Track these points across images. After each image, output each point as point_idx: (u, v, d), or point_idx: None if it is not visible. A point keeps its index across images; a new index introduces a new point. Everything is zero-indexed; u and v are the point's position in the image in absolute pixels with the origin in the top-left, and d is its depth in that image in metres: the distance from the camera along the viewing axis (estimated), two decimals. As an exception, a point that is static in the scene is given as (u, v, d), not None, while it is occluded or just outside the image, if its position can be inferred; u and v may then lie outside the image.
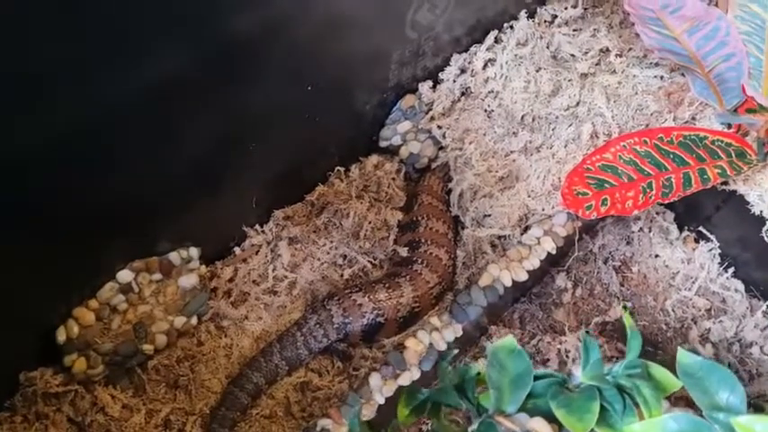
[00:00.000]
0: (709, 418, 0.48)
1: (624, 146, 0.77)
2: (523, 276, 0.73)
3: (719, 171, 0.75)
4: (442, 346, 0.69)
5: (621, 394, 0.50)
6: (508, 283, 0.72)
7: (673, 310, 0.86)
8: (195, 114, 0.66)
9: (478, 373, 0.50)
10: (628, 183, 0.75)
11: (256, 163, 0.75)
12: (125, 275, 0.67)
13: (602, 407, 0.49)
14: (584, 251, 0.88)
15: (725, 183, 0.77)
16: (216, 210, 0.74)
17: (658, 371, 0.52)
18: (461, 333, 0.70)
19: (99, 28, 0.51)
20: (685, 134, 0.78)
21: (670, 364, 0.85)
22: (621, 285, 0.88)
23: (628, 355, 0.52)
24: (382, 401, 0.66)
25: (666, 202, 0.74)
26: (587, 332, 0.60)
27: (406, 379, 0.67)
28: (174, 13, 0.56)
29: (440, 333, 0.69)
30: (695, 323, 0.85)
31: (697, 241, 0.88)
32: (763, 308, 0.84)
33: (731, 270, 0.86)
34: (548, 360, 0.83)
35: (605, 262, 0.88)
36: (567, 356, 0.83)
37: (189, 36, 0.59)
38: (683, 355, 0.52)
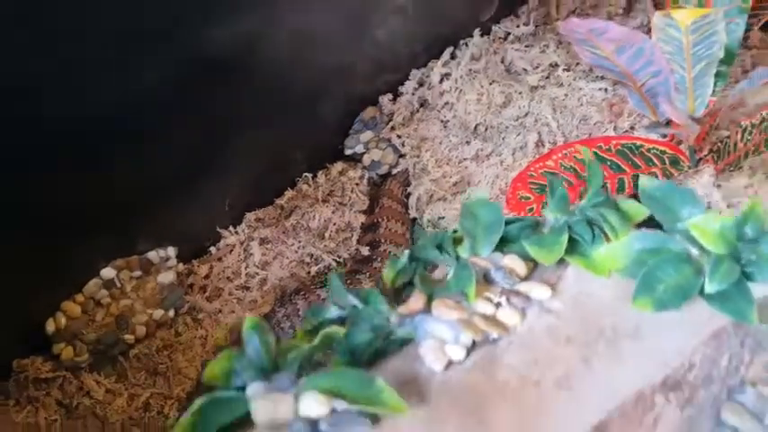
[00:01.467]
0: (671, 232, 0.50)
1: (566, 154, 0.84)
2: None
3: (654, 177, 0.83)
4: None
5: (590, 226, 0.50)
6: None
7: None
8: (172, 125, 0.73)
9: (455, 231, 0.51)
10: (567, 188, 0.82)
11: (230, 169, 0.83)
12: (108, 272, 0.75)
13: (572, 239, 0.49)
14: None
15: (658, 187, 0.84)
16: (192, 212, 0.81)
17: (625, 203, 0.53)
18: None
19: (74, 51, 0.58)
20: (623, 143, 0.85)
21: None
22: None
23: (589, 187, 0.53)
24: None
25: (601, 205, 0.81)
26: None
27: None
28: (146, 27, 0.63)
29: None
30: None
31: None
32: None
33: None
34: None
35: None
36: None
37: (163, 52, 0.66)
38: (644, 180, 0.54)
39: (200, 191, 0.81)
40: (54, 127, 0.61)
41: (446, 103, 0.89)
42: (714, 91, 0.80)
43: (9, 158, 0.60)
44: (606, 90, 0.92)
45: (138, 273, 0.77)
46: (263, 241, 0.85)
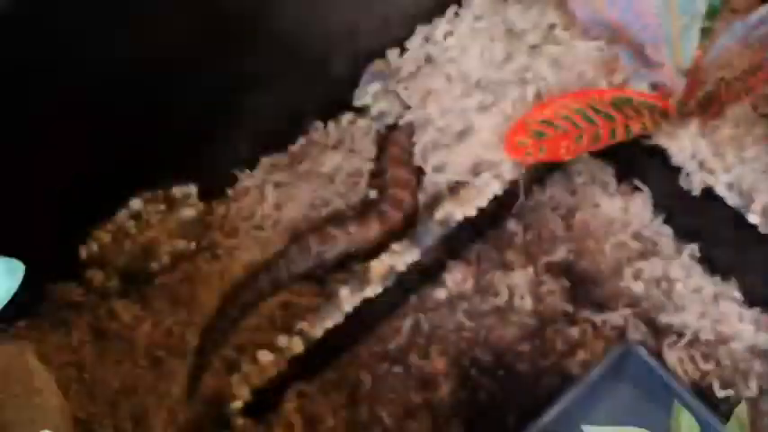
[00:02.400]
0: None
1: (562, 105, 0.89)
2: (472, 212, 0.86)
3: (642, 126, 0.88)
4: (401, 267, 0.82)
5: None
6: (460, 218, 0.85)
7: (610, 252, 0.98)
8: (194, 75, 0.78)
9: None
10: (563, 134, 0.88)
11: (247, 118, 0.89)
12: (136, 204, 0.81)
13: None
14: (534, 201, 1.01)
15: (648, 137, 0.90)
16: (212, 155, 0.87)
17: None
18: (418, 257, 0.83)
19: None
20: (615, 95, 0.91)
21: (607, 298, 0.97)
22: (566, 231, 1.00)
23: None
24: (349, 310, 0.79)
25: (595, 149, 0.87)
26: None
27: (370, 292, 0.80)
28: None
29: (399, 256, 0.82)
30: (630, 263, 0.97)
31: (632, 193, 1.01)
32: (688, 250, 0.97)
33: (662, 218, 0.98)
34: (499, 292, 0.96)
35: (552, 210, 1.01)
36: (515, 290, 0.96)
37: (183, 10, 0.72)
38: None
39: (219, 136, 0.87)
40: (97, 71, 0.67)
41: (450, 59, 0.95)
42: (699, 44, 0.86)
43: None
44: (602, 49, 0.97)
45: (162, 207, 0.83)
46: (276, 185, 0.91)
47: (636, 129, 0.88)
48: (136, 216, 0.81)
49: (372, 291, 0.80)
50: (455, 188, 0.90)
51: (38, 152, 0.69)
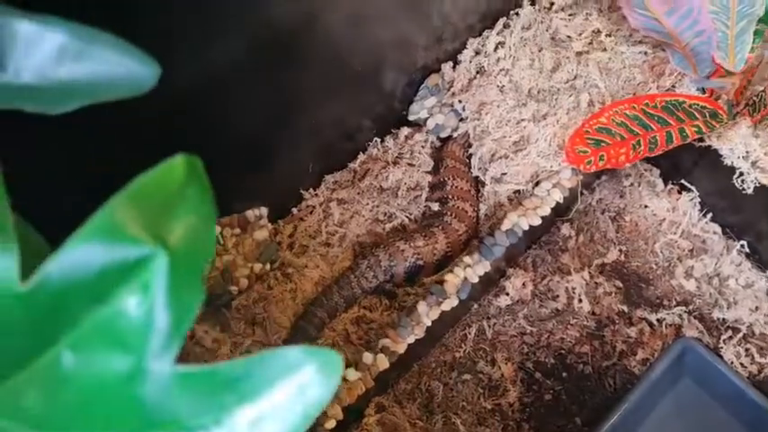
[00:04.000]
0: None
1: (616, 111, 0.91)
2: (537, 222, 0.88)
3: (696, 129, 0.90)
4: (474, 279, 0.84)
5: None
6: (525, 227, 0.87)
7: (661, 252, 1.00)
8: (253, 98, 0.79)
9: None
10: (620, 141, 0.90)
11: (307, 137, 0.90)
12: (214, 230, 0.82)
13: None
14: (584, 204, 1.02)
15: (701, 140, 0.92)
16: (278, 176, 0.89)
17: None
18: (489, 269, 0.85)
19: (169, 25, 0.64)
20: (667, 99, 0.93)
21: (660, 297, 0.99)
22: (617, 232, 1.02)
23: None
24: (429, 323, 0.81)
25: (653, 155, 0.89)
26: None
27: (447, 305, 0.81)
28: (232, 10, 0.70)
29: (472, 269, 0.84)
30: (680, 261, 0.99)
31: (680, 192, 1.02)
32: (737, 247, 0.99)
33: (709, 216, 1.00)
34: (557, 296, 0.98)
35: (602, 213, 1.03)
36: (573, 293, 0.98)
37: (243, 27, 0.72)
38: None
39: (283, 157, 0.88)
40: (164, 97, 0.68)
41: (501, 70, 0.96)
42: (752, 48, 0.88)
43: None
44: (646, 53, 0.99)
45: (237, 230, 0.84)
46: (340, 202, 0.92)
47: (691, 132, 0.90)
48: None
49: (449, 304, 0.82)
50: (516, 198, 0.91)
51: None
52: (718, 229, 1.01)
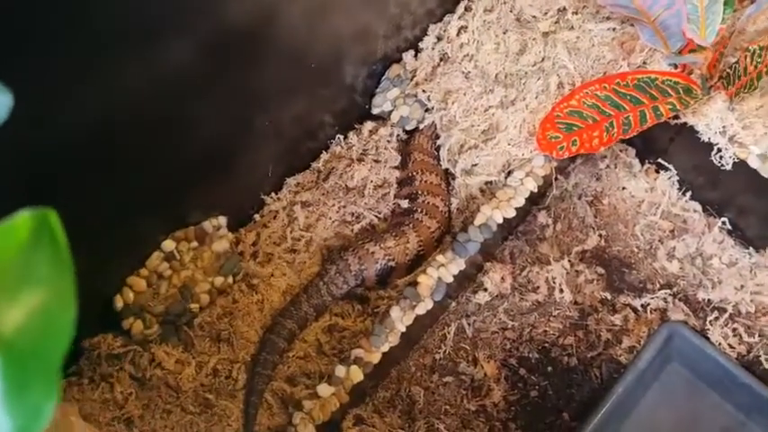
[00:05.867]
0: None
1: (587, 92, 0.87)
2: (512, 213, 0.84)
3: (670, 107, 0.87)
4: (449, 279, 0.80)
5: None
6: (500, 221, 0.83)
7: (642, 234, 0.97)
8: (206, 101, 0.74)
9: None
10: (593, 124, 0.86)
11: (266, 138, 0.85)
12: (168, 245, 0.77)
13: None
14: (560, 190, 0.99)
15: (676, 117, 0.89)
16: (235, 182, 0.84)
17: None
18: (464, 267, 0.81)
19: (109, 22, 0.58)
20: (638, 77, 0.89)
21: (643, 281, 0.96)
22: (595, 217, 0.99)
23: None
24: (403, 329, 0.77)
25: (627, 137, 0.85)
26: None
27: (421, 309, 0.77)
28: (179, 5, 0.64)
29: (446, 268, 0.80)
30: (662, 243, 0.96)
31: (657, 172, 0.99)
32: (719, 224, 0.96)
33: (689, 194, 0.97)
34: (537, 287, 0.95)
35: (579, 198, 0.99)
36: (554, 283, 0.94)
37: (193, 27, 0.67)
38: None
39: (240, 161, 0.83)
40: (103, 114, 0.63)
41: (466, 55, 0.92)
42: (723, 19, 0.84)
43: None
44: (614, 29, 0.95)
45: (194, 243, 0.79)
46: (304, 204, 0.88)
47: (665, 110, 0.86)
48: (169, 257, 0.77)
49: (424, 307, 0.78)
50: (488, 190, 0.87)
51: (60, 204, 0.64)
52: (699, 207, 0.98)
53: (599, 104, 0.87)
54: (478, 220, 0.83)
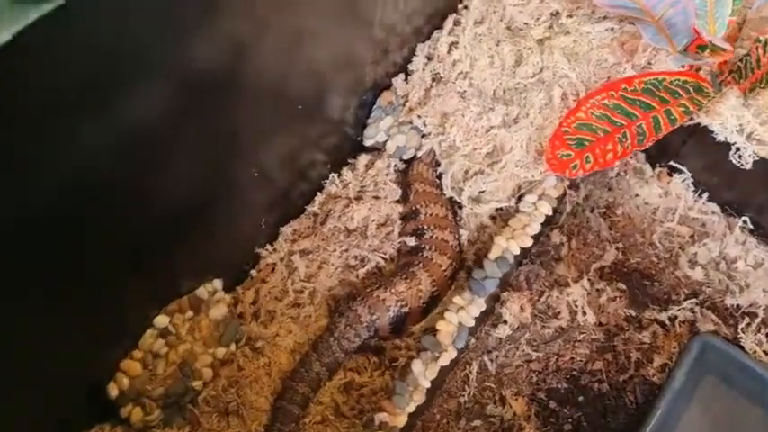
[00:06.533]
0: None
1: (594, 102, 0.81)
2: (529, 242, 0.78)
3: (683, 109, 0.81)
4: (470, 323, 0.73)
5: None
6: (516, 252, 0.77)
7: (660, 243, 0.92)
8: (183, 155, 0.66)
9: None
10: (604, 137, 0.80)
11: (255, 186, 0.78)
12: (161, 320, 0.70)
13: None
14: (571, 205, 0.93)
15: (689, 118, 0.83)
16: (227, 238, 0.77)
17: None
18: (484, 307, 0.75)
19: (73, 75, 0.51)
20: (646, 80, 0.83)
21: (667, 292, 0.91)
22: (610, 229, 0.93)
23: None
24: (428, 385, 0.70)
25: (643, 148, 0.79)
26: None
27: (445, 359, 0.71)
28: (145, 55, 0.56)
29: (465, 311, 0.74)
30: (682, 250, 0.91)
31: (670, 175, 0.94)
32: (740, 224, 0.91)
33: (705, 195, 0.92)
34: (559, 313, 0.89)
35: (592, 211, 0.94)
36: (575, 306, 0.89)
37: (160, 74, 0.59)
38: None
39: (228, 216, 0.76)
40: (62, 182, 0.55)
41: (459, 73, 0.85)
42: (732, 11, 0.79)
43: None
44: (613, 29, 0.90)
45: (190, 313, 0.72)
46: (303, 253, 0.81)
47: (678, 113, 0.81)
48: (164, 332, 0.70)
49: (447, 357, 0.71)
50: (499, 216, 0.81)
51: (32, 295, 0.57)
52: (717, 209, 0.93)
53: (608, 114, 0.81)
54: (494, 253, 0.76)
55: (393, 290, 0.77)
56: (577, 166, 0.78)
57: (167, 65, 0.59)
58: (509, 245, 0.77)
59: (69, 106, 0.51)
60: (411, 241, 0.82)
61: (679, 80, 0.84)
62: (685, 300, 0.89)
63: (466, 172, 0.82)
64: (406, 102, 0.85)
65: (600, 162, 0.78)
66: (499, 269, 0.76)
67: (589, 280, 0.91)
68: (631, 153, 0.80)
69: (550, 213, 0.80)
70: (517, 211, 0.81)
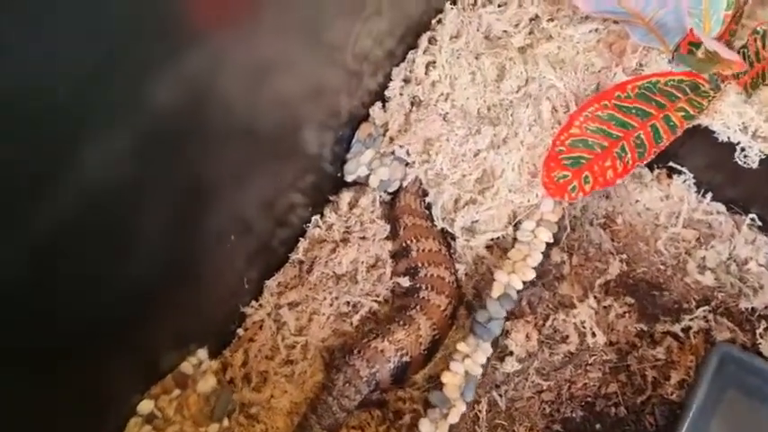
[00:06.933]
0: None
1: (587, 115, 0.76)
2: (531, 275, 0.73)
3: (683, 114, 0.76)
4: (478, 371, 0.69)
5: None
6: (519, 287, 0.72)
7: (666, 249, 0.87)
8: (147, 218, 0.60)
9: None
10: (602, 152, 0.75)
11: (231, 241, 0.72)
12: (146, 406, 0.64)
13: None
14: (569, 218, 0.88)
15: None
16: (207, 302, 0.71)
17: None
18: (491, 351, 0.70)
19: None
20: (639, 84, 0.78)
21: (678, 301, 0.87)
22: (612, 240, 0.88)
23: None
24: (439, 445, 0.66)
25: (645, 162, 0.74)
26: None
27: (454, 415, 0.66)
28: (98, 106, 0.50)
29: (471, 359, 0.69)
30: (690, 255, 0.87)
31: (670, 176, 0.89)
32: (747, 222, 0.86)
33: (709, 195, 0.87)
34: (567, 337, 0.84)
35: (591, 224, 0.89)
36: (583, 327, 0.84)
37: (116, 126, 0.53)
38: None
39: (206, 278, 0.70)
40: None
41: (440, 95, 0.79)
42: (728, 4, 0.73)
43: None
44: (597, 30, 0.84)
45: (176, 392, 0.67)
46: (291, 305, 0.75)
47: (677, 119, 0.76)
48: (150, 418, 0.65)
49: (457, 413, 0.66)
50: (496, 246, 0.76)
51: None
52: (722, 208, 0.88)
53: (603, 127, 0.76)
54: (496, 291, 0.71)
55: (391, 338, 0.72)
56: (576, 187, 0.73)
57: (122, 112, 0.52)
58: (510, 279, 0.72)
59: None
60: (405, 282, 0.76)
61: (674, 80, 0.79)
62: (698, 307, 0.85)
63: (456, 201, 0.77)
64: (386, 131, 0.79)
65: (600, 181, 0.73)
66: (503, 308, 0.71)
67: (595, 297, 0.86)
68: (633, 169, 0.74)
69: (551, 240, 0.75)
70: (515, 239, 0.75)
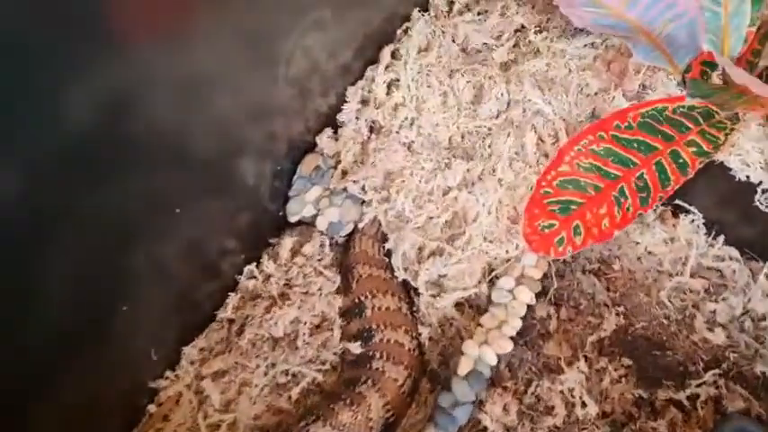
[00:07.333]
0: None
1: (579, 149, 0.63)
2: (509, 346, 0.60)
3: (695, 149, 0.63)
4: (440, 471, 0.55)
5: None
6: (493, 362, 0.59)
7: (670, 301, 0.76)
8: (38, 271, 0.49)
9: None
10: (596, 195, 0.62)
11: (139, 300, 0.59)
12: None
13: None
14: (556, 264, 0.76)
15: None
16: (107, 383, 0.58)
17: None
18: (456, 441, 0.57)
19: None
20: (642, 111, 0.66)
21: (683, 363, 0.77)
22: (607, 290, 0.77)
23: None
24: None
25: (650, 207, 0.62)
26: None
27: None
28: None
29: (431, 455, 0.56)
30: (697, 308, 0.76)
31: (675, 215, 0.78)
32: (765, 270, 0.75)
33: (721, 238, 0.76)
34: (552, 408, 0.72)
35: (583, 270, 0.77)
36: (572, 396, 0.72)
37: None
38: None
39: (105, 350, 0.57)
40: None
41: (405, 120, 0.67)
42: (752, 19, 0.61)
43: None
44: (593, 44, 0.71)
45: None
46: (216, 375, 0.63)
47: (688, 156, 0.63)
48: None
49: None
50: (468, 307, 0.63)
51: None
52: (736, 253, 0.78)
53: (599, 164, 0.63)
54: (463, 367, 0.58)
55: (334, 422, 0.59)
56: (564, 240, 0.60)
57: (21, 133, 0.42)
58: (482, 353, 0.59)
59: None
60: (356, 348, 0.63)
61: (684, 107, 0.66)
62: (706, 371, 0.75)
63: (420, 249, 0.64)
64: (338, 163, 0.66)
65: (593, 233, 0.60)
66: (472, 389, 0.58)
67: (586, 358, 0.74)
68: (634, 219, 0.62)
69: (533, 301, 0.62)
70: (489, 300, 0.63)
